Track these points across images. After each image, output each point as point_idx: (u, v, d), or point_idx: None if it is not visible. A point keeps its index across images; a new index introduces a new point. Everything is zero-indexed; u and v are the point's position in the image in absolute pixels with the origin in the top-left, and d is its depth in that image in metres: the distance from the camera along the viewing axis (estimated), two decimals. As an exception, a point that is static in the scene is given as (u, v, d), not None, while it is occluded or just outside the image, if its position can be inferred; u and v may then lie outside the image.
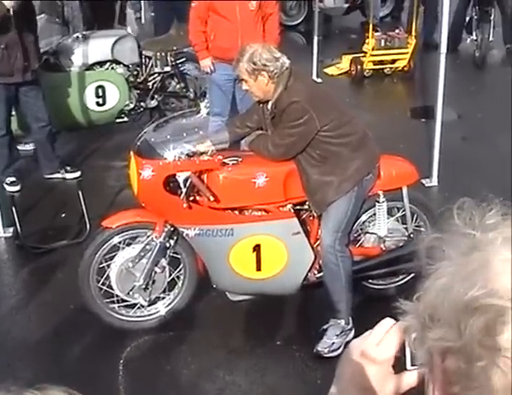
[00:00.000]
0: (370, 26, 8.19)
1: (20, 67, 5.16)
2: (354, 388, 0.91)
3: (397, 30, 8.42)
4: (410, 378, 0.88)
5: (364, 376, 0.90)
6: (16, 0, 4.90)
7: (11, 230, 4.87)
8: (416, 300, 0.75)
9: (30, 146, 6.00)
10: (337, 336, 3.65)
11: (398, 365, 0.88)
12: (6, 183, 5.42)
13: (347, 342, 3.61)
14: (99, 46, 6.15)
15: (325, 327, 3.69)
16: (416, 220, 3.94)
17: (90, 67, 5.98)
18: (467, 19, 9.00)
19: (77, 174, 5.67)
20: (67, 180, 5.66)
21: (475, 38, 8.65)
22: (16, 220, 4.70)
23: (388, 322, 0.89)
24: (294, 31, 10.35)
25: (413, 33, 8.21)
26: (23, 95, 5.33)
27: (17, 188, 5.47)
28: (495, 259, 0.69)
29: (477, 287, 0.68)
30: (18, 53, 5.12)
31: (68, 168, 5.70)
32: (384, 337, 0.89)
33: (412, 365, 0.84)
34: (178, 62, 6.45)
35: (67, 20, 6.19)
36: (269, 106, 3.62)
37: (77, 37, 6.11)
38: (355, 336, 0.97)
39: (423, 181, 5.35)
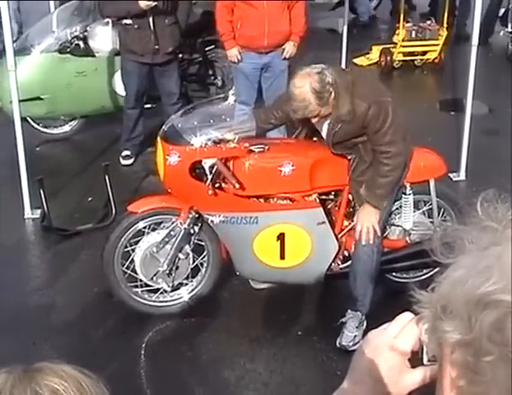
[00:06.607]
0: (401, 17, 8.09)
1: (151, 49, 5.34)
2: (369, 379, 0.90)
3: (428, 22, 8.30)
4: (425, 374, 0.87)
5: (379, 368, 0.89)
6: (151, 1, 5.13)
7: (38, 211, 4.92)
8: (430, 291, 0.74)
9: None
10: (357, 327, 3.64)
11: (415, 360, 0.87)
12: (122, 157, 5.67)
13: (364, 331, 3.60)
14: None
15: (344, 320, 3.67)
16: (442, 214, 3.90)
17: (119, 53, 5.99)
18: (503, 11, 8.84)
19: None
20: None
21: (509, 30, 8.49)
22: (44, 202, 4.75)
23: (407, 316, 0.88)
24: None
25: (445, 24, 8.10)
26: (158, 74, 5.53)
27: (130, 161, 5.74)
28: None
29: (490, 282, 0.67)
30: (151, 36, 5.31)
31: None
32: (401, 331, 0.88)
33: (429, 361, 0.83)
34: (206, 49, 6.45)
35: (88, 8, 6.20)
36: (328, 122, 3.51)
37: (107, 22, 6.12)
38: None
39: (451, 175, 5.28)
